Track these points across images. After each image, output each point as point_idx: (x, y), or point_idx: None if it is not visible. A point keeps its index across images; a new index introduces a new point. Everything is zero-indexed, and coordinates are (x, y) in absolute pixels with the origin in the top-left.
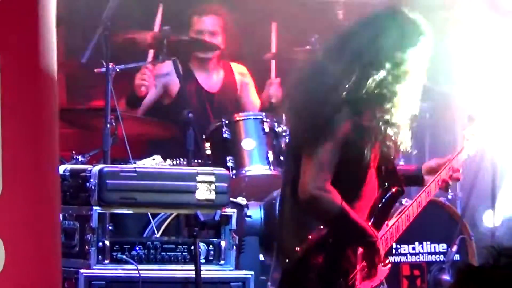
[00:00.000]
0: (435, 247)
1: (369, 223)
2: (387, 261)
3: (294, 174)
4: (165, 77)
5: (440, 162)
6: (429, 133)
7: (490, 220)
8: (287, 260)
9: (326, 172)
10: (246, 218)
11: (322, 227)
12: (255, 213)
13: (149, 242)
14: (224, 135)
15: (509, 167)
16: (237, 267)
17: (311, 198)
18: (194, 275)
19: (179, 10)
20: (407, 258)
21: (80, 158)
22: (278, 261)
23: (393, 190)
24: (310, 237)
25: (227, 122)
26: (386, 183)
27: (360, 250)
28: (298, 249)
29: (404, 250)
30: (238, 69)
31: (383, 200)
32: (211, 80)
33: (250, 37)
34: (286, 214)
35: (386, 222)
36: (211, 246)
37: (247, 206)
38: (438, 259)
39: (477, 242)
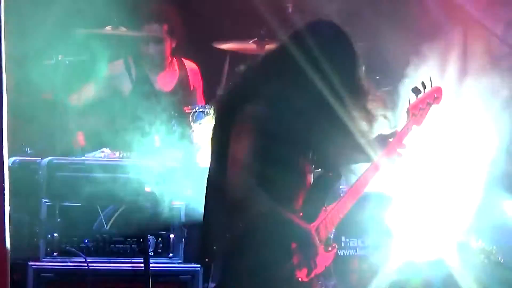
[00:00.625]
0: None
1: (302, 210)
2: (330, 248)
3: (219, 171)
4: (115, 80)
5: (386, 133)
6: None
7: None
8: (206, 260)
9: (252, 171)
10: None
11: (241, 225)
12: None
13: (98, 235)
14: (173, 128)
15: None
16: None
17: (240, 199)
18: (143, 268)
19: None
20: (356, 251)
21: (29, 150)
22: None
23: (330, 174)
24: (227, 235)
25: (176, 114)
26: (321, 169)
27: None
28: (215, 247)
29: (354, 243)
30: (191, 67)
31: (318, 186)
32: (165, 79)
33: (199, 32)
34: (212, 211)
35: (324, 207)
36: (160, 239)
37: (191, 198)
38: None
39: None
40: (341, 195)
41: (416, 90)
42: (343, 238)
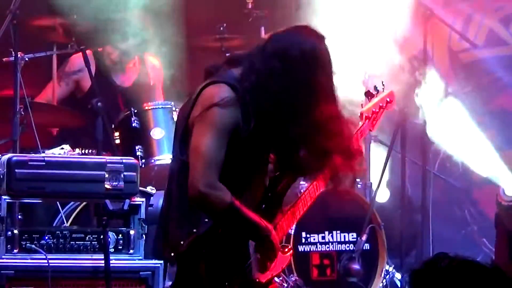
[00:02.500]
0: (345, 236)
1: (261, 212)
2: (286, 250)
3: (180, 165)
4: (77, 74)
5: None
6: None
7: None
8: (172, 254)
9: (214, 167)
10: (149, 207)
11: (206, 220)
12: (159, 202)
13: (58, 232)
14: (133, 124)
15: None
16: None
17: (201, 195)
18: (103, 265)
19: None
20: (317, 247)
21: None
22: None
23: (286, 177)
24: (194, 230)
25: (136, 111)
26: (277, 172)
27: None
28: (182, 242)
29: (314, 239)
30: (153, 63)
31: (274, 189)
32: (124, 75)
33: (162, 27)
34: (173, 207)
35: (280, 209)
36: (120, 235)
37: (151, 195)
38: (348, 248)
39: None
40: (299, 194)
41: (369, 94)
42: (303, 234)
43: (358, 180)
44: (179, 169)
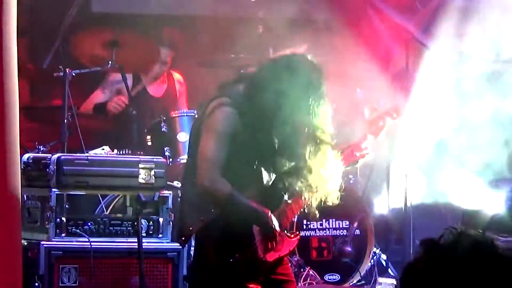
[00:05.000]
0: (339, 223)
1: (264, 201)
2: (293, 236)
3: (191, 164)
4: (119, 83)
5: (343, 147)
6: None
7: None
8: (182, 238)
9: (216, 166)
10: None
11: (212, 210)
12: None
13: (99, 219)
14: (163, 129)
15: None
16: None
17: (205, 189)
18: (137, 246)
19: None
20: (315, 232)
21: (42, 148)
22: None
23: (289, 173)
24: (202, 218)
25: (164, 118)
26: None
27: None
28: (191, 228)
29: (313, 226)
30: (177, 77)
31: (279, 182)
32: (157, 88)
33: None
34: (185, 198)
35: (285, 199)
36: (151, 222)
37: (177, 188)
38: (341, 233)
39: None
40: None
41: (373, 109)
42: (304, 221)
43: (351, 176)
44: (191, 168)
